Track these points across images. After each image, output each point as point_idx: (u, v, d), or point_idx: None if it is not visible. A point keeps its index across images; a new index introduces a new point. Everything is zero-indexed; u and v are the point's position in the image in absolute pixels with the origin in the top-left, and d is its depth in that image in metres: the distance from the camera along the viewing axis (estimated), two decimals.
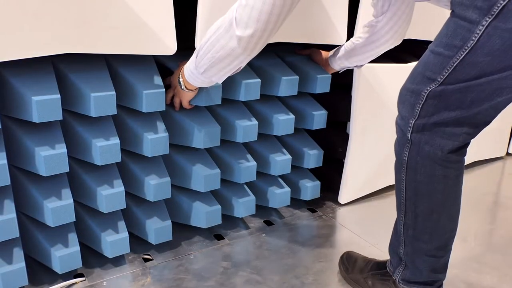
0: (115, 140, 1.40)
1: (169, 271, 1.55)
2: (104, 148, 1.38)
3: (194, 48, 1.45)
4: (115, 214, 1.53)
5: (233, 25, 1.19)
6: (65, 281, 1.47)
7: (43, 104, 1.25)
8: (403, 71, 1.96)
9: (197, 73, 1.36)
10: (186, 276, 1.53)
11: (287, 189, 1.89)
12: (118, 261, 1.58)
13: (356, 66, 1.77)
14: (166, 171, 1.57)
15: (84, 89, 1.34)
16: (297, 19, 1.67)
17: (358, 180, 2.04)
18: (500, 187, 2.34)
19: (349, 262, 1.53)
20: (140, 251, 1.65)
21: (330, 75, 1.81)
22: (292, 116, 1.78)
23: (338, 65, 1.79)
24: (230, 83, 1.60)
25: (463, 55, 1.06)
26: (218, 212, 1.70)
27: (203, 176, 1.60)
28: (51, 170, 1.31)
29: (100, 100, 1.33)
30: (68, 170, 1.35)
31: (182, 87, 1.46)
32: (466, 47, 1.05)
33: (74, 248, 1.43)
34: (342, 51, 1.74)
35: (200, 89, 1.51)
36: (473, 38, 1.03)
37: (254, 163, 1.74)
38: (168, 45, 1.40)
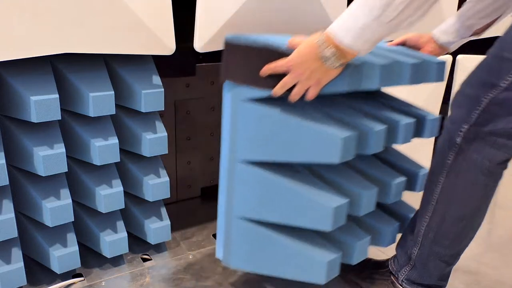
0: (114, 140, 1.40)
1: (168, 271, 1.55)
2: (103, 148, 1.38)
3: (193, 48, 1.45)
4: (114, 214, 1.53)
5: None
6: (64, 281, 1.47)
7: (41, 104, 1.25)
8: None
9: (378, 25, 0.99)
10: (185, 276, 1.53)
11: None
12: (117, 261, 1.58)
13: (474, 33, 1.41)
14: (165, 170, 1.56)
15: (82, 89, 1.34)
16: (295, 19, 1.67)
17: None
18: (498, 188, 2.34)
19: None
20: (139, 251, 1.64)
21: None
22: None
23: (453, 37, 1.41)
24: None
25: None
26: None
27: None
28: (49, 170, 1.31)
29: (98, 100, 1.33)
30: (67, 170, 1.35)
31: (334, 64, 1.07)
32: None
33: (72, 248, 1.43)
34: (454, 18, 1.41)
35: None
36: None
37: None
38: (167, 45, 1.40)
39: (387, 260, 1.44)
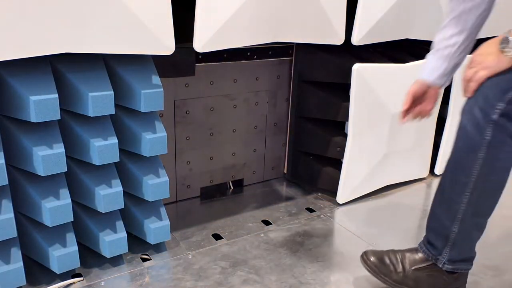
0: (113, 140, 1.40)
1: (167, 271, 1.55)
2: (102, 148, 1.38)
3: (193, 48, 1.45)
4: (113, 214, 1.53)
5: None
6: (63, 281, 1.47)
7: (41, 103, 1.24)
8: (401, 71, 1.97)
9: None
10: (184, 276, 1.53)
11: None
12: (116, 261, 1.58)
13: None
14: (164, 170, 1.56)
15: (82, 89, 1.33)
16: (295, 19, 1.67)
17: (356, 180, 2.04)
18: None
19: (382, 265, 1.45)
20: (138, 251, 1.64)
21: None
22: None
23: (448, 79, 1.53)
24: None
25: None
26: None
27: None
28: (49, 170, 1.31)
29: (98, 99, 1.33)
30: (66, 170, 1.35)
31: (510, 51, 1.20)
32: None
33: (72, 248, 1.43)
34: (444, 63, 1.48)
35: None
36: None
37: None
38: (166, 45, 1.40)
39: (409, 249, 1.45)
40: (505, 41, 1.21)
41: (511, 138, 1.25)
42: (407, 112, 1.54)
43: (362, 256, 1.47)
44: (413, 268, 1.41)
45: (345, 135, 1.96)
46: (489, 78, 1.26)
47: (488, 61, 1.26)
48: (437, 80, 1.50)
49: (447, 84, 1.54)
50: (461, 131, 1.32)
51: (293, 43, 2.11)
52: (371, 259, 1.44)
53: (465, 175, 1.32)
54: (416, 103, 1.53)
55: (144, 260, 1.61)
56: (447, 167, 1.37)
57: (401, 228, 1.88)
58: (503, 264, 1.66)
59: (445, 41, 1.47)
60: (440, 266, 1.39)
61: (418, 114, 1.54)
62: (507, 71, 1.23)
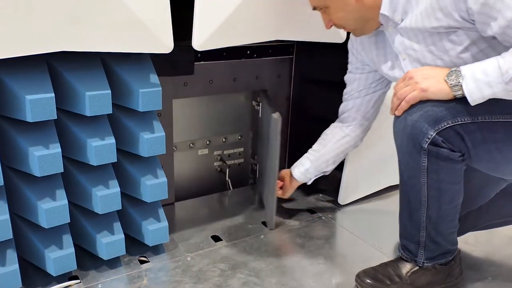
0: (111, 140, 1.39)
1: (165, 273, 1.54)
2: (100, 148, 1.36)
3: (191, 46, 1.43)
4: (111, 216, 1.51)
5: None
6: (60, 283, 1.45)
7: (37, 103, 1.23)
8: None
9: (503, 87, 1.11)
10: (182, 279, 1.51)
11: None
12: (113, 263, 1.56)
13: (323, 172, 1.83)
14: (163, 171, 1.55)
15: (79, 88, 1.32)
16: (296, 18, 1.66)
17: (357, 181, 2.03)
18: None
19: (378, 283, 1.45)
20: (136, 253, 1.63)
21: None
22: None
23: (307, 178, 1.84)
24: None
25: None
26: None
27: None
28: (45, 171, 1.29)
29: (95, 99, 1.32)
30: (63, 171, 1.33)
31: (455, 90, 1.18)
32: None
33: (68, 250, 1.41)
34: (309, 162, 1.81)
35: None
36: None
37: None
38: (164, 43, 1.38)
39: (396, 259, 1.48)
40: (454, 72, 1.18)
41: (445, 161, 1.25)
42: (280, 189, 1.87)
43: (356, 280, 1.48)
44: (408, 274, 1.43)
45: None
46: (421, 101, 1.23)
47: (426, 83, 1.20)
48: (298, 175, 1.82)
49: (309, 183, 1.85)
50: (399, 155, 1.35)
51: (293, 41, 2.09)
52: (366, 281, 1.45)
53: (416, 196, 1.35)
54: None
55: (142, 262, 1.59)
56: (400, 186, 1.41)
57: None
58: (505, 264, 1.65)
59: (320, 141, 1.78)
60: (420, 265, 1.42)
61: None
62: (442, 100, 1.21)
